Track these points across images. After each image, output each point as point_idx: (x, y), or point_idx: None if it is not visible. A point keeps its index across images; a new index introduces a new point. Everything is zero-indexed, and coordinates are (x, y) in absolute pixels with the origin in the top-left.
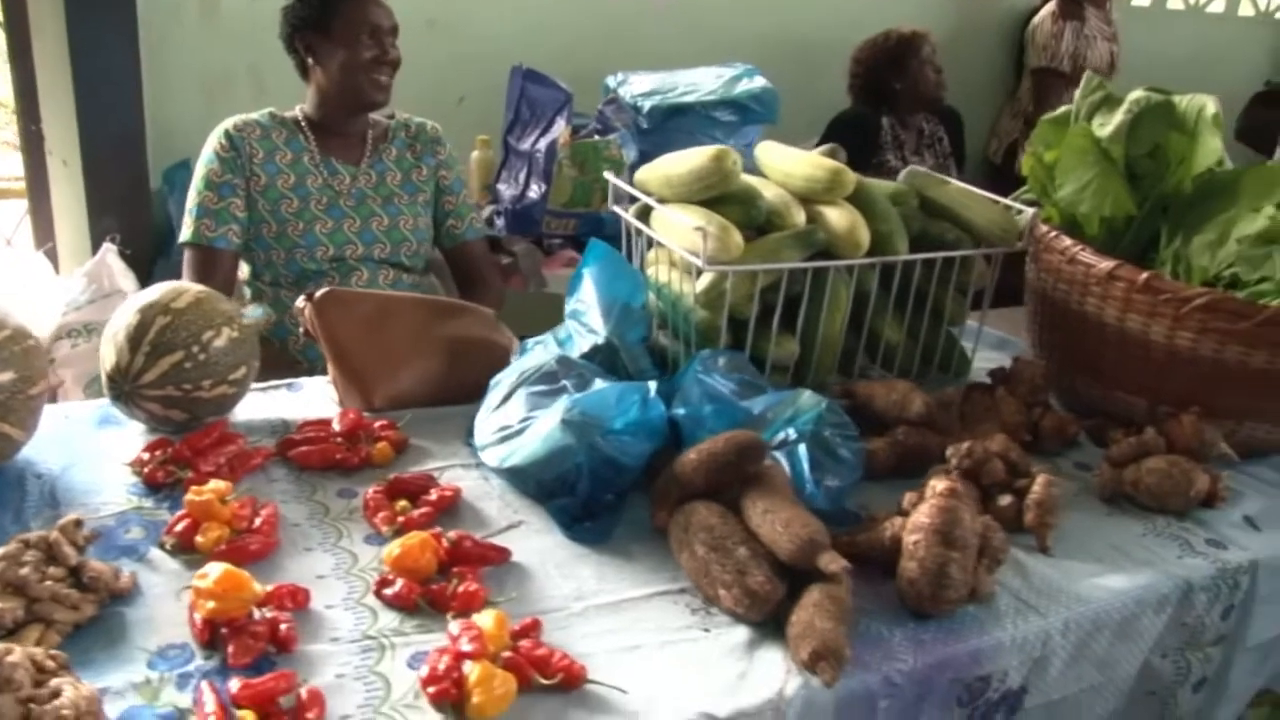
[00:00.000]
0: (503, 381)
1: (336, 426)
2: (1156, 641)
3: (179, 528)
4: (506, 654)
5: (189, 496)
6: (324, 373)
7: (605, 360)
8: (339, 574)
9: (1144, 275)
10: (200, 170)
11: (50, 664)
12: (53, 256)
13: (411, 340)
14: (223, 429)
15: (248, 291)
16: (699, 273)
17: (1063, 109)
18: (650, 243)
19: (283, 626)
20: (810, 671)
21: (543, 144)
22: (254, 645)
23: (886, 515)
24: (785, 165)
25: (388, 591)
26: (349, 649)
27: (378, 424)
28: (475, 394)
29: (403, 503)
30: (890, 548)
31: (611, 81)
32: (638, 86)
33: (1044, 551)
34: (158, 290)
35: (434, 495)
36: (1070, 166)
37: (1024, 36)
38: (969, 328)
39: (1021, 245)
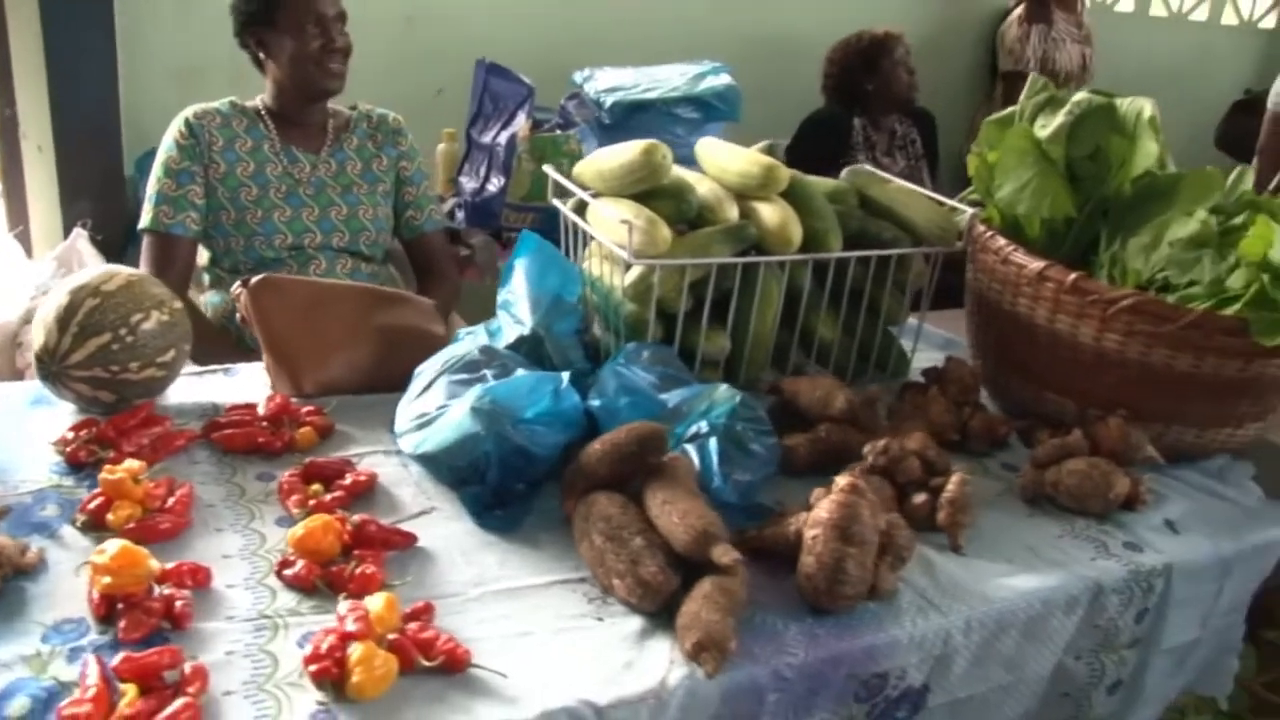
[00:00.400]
0: (426, 370)
1: (262, 411)
2: (1069, 643)
3: (92, 506)
4: (393, 636)
5: (102, 475)
6: None
7: (531, 351)
8: (245, 554)
9: (1072, 276)
10: (160, 158)
11: None
12: (25, 240)
13: (346, 328)
14: (149, 411)
15: (207, 278)
16: (628, 266)
17: (1008, 110)
18: (587, 236)
19: (178, 603)
20: (695, 662)
21: (503, 138)
22: (147, 621)
23: (794, 510)
24: (721, 161)
25: (288, 572)
26: (243, 627)
27: (305, 409)
28: (408, 383)
29: (315, 486)
30: (794, 543)
31: (579, 77)
32: (602, 82)
33: (956, 550)
34: (90, 273)
35: (348, 480)
36: (1010, 167)
37: (994, 39)
38: (909, 327)
39: (960, 245)
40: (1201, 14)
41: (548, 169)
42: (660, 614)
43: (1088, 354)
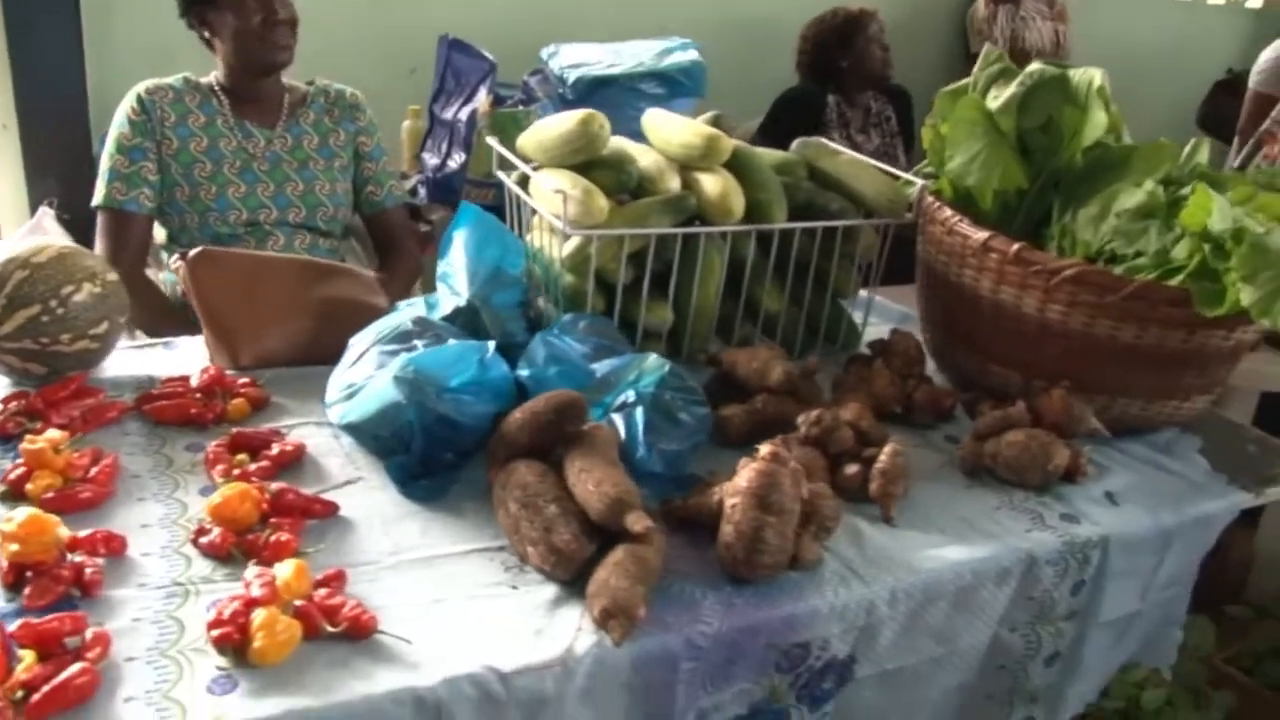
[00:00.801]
0: (359, 341)
1: (195, 383)
2: (1004, 615)
3: (13, 476)
4: (300, 603)
5: (24, 445)
6: None
7: (467, 323)
8: (165, 523)
9: (1015, 246)
10: (112, 134)
11: None
12: None
13: (284, 300)
14: (81, 382)
15: (165, 256)
16: (567, 237)
17: (961, 82)
18: (531, 209)
19: (88, 571)
20: (603, 629)
21: (464, 114)
22: (54, 588)
23: (721, 479)
24: (665, 132)
25: (203, 540)
26: (154, 594)
27: (239, 381)
28: None
29: (241, 456)
30: (717, 512)
31: (545, 53)
32: (567, 58)
33: (887, 521)
34: (22, 245)
35: (275, 450)
36: (960, 138)
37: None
38: (862, 300)
39: (910, 217)
40: None
41: (491, 141)
42: (575, 582)
43: (1031, 325)
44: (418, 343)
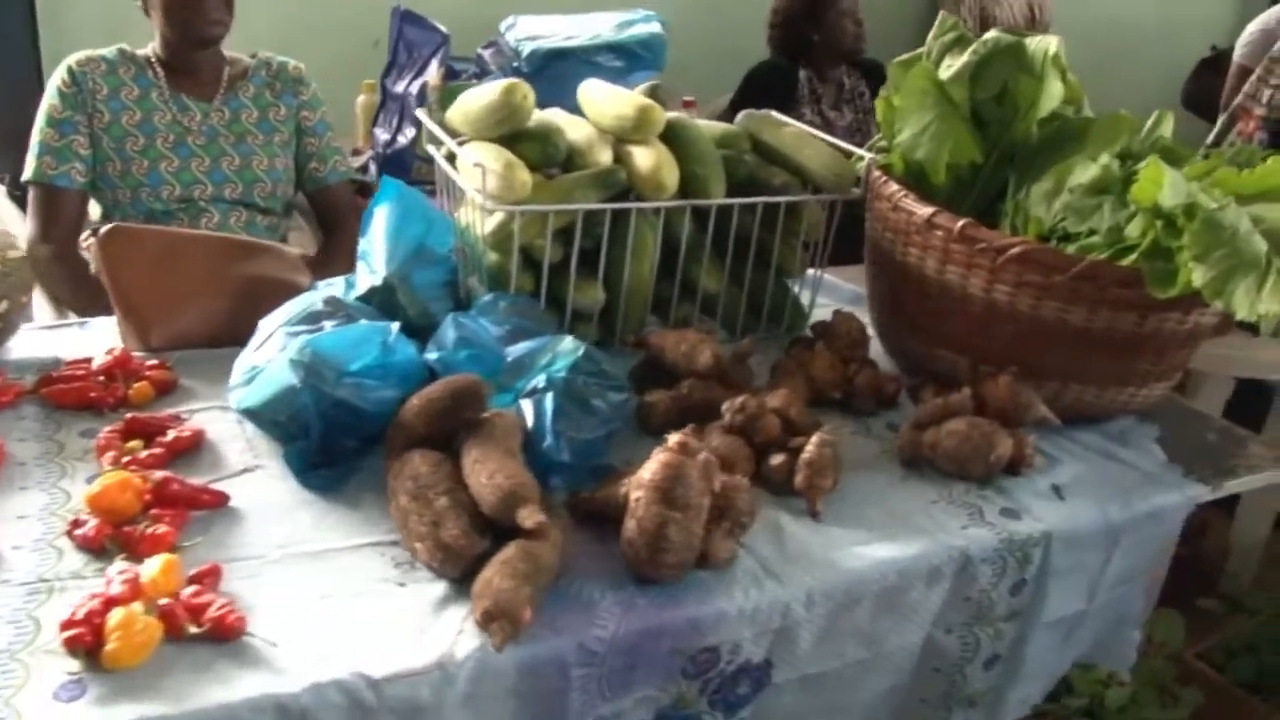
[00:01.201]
0: (268, 322)
1: (98, 365)
2: (938, 616)
3: None
4: (165, 601)
5: None
6: None
7: (384, 302)
8: (44, 514)
9: (960, 223)
10: (43, 107)
11: None
12: None
13: (201, 279)
14: None
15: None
16: (489, 213)
17: (915, 51)
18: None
19: None
20: (486, 632)
21: (415, 87)
22: None
23: (632, 470)
24: (599, 104)
25: (78, 533)
26: (17, 592)
27: (147, 364)
28: None
29: (133, 443)
30: (624, 506)
31: (504, 26)
32: (524, 30)
33: (813, 516)
34: None
35: (170, 436)
36: (910, 109)
37: None
38: (811, 280)
39: (858, 193)
40: None
41: (420, 114)
42: (467, 580)
43: (978, 307)
44: (326, 324)
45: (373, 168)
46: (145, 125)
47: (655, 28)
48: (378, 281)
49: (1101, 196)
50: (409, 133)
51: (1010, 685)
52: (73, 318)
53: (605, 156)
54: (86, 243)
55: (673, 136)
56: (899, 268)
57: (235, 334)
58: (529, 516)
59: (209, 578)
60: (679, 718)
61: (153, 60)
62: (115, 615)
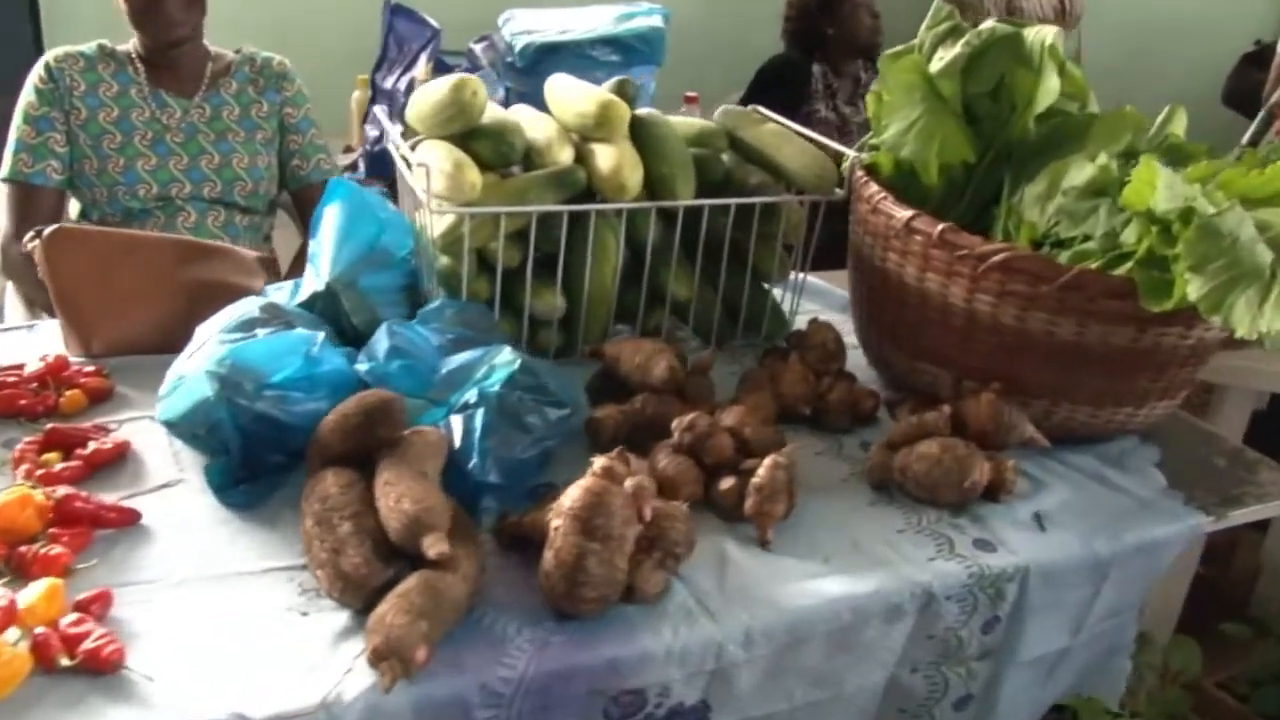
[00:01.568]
0: (204, 329)
1: (31, 370)
2: (902, 655)
3: None
4: (41, 630)
5: None
6: None
7: (327, 309)
8: None
9: (939, 227)
10: (20, 104)
11: None
12: None
13: (147, 282)
14: None
15: None
16: (441, 215)
17: (909, 43)
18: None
19: None
20: (377, 671)
21: (404, 83)
22: None
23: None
24: (564, 100)
25: None
26: None
27: (83, 370)
28: None
29: (49, 455)
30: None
31: (501, 19)
32: (520, 24)
33: (763, 545)
34: None
35: (91, 448)
36: (896, 105)
37: None
38: (794, 284)
39: (841, 194)
40: None
41: (377, 110)
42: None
43: (959, 318)
44: (261, 331)
45: (362, 165)
46: (123, 122)
47: (655, 21)
48: (320, 287)
49: (1098, 199)
50: (398, 129)
51: None
52: (44, 318)
53: (565, 155)
54: (30, 244)
55: (642, 134)
56: (879, 274)
57: (183, 340)
58: (432, 546)
59: (96, 604)
60: None
61: (134, 56)
62: None
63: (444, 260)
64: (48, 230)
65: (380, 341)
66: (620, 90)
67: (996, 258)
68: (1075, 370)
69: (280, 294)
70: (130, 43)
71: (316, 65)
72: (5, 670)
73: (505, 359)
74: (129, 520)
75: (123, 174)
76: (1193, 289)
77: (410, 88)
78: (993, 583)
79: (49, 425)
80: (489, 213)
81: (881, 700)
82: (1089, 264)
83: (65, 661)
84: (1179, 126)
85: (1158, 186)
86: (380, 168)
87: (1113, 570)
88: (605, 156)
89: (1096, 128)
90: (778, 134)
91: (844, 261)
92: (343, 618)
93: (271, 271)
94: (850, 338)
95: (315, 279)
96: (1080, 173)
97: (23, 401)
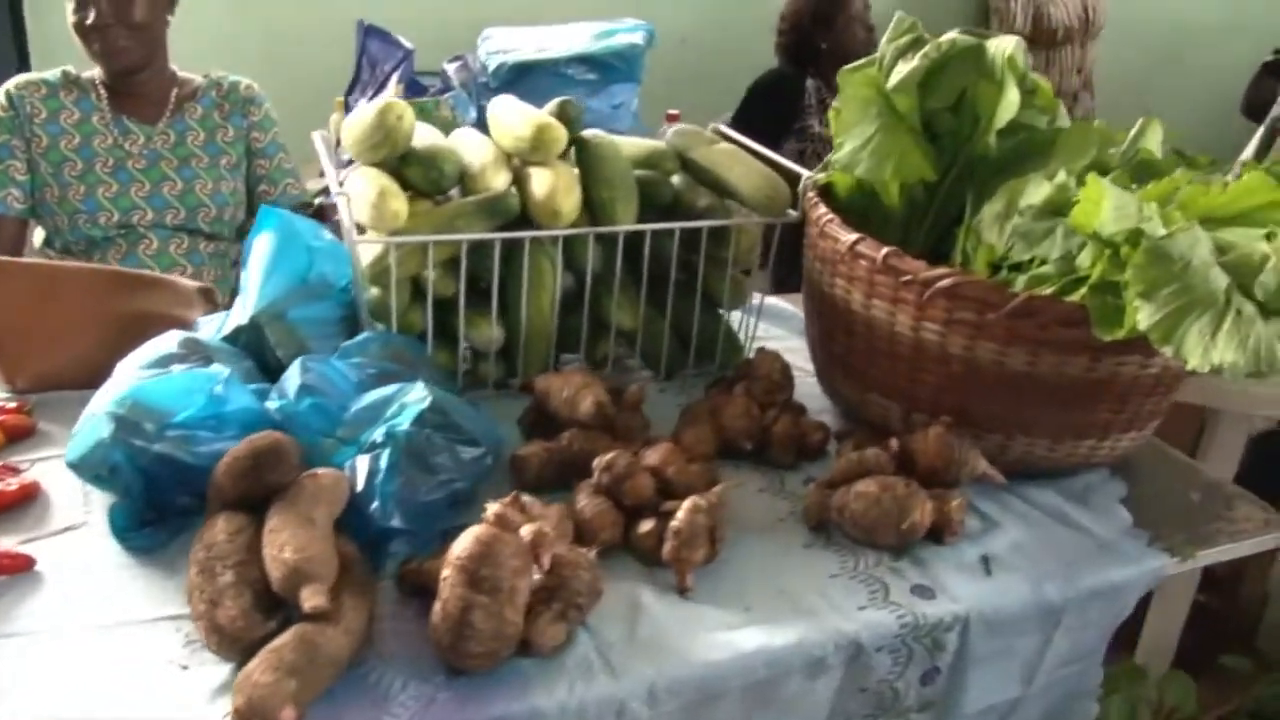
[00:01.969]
0: (126, 365)
1: None
2: (832, 710)
3: None
4: None
5: None
6: None
7: (251, 342)
8: None
9: (884, 252)
10: None
11: None
12: None
13: (78, 315)
14: None
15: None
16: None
17: (869, 58)
18: None
19: None
20: None
21: None
22: None
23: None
24: (503, 123)
25: None
26: None
27: (6, 407)
28: None
29: None
30: None
31: (481, 39)
32: (497, 43)
33: (681, 593)
34: None
35: None
36: (850, 121)
37: None
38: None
39: (795, 215)
40: None
41: (315, 136)
42: None
43: (906, 347)
44: (177, 367)
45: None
46: (84, 149)
47: (634, 38)
48: (244, 320)
49: (1055, 219)
50: None
51: None
52: None
53: (499, 180)
54: None
55: (585, 157)
56: (827, 301)
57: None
58: (310, 598)
59: None
60: None
61: (97, 83)
62: None
63: (374, 291)
64: None
65: (292, 378)
66: (561, 112)
67: (942, 283)
68: (1029, 402)
69: (210, 326)
70: (95, 69)
71: (311, 88)
72: None
73: (416, 397)
74: (21, 566)
75: (83, 201)
76: (1143, 317)
77: None
78: (929, 632)
79: None
80: (413, 241)
81: None
82: (1044, 289)
83: None
84: (1153, 141)
85: (1106, 206)
86: None
87: (1066, 617)
88: (539, 181)
89: (1060, 143)
90: (729, 154)
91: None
92: (223, 671)
93: (211, 302)
94: (809, 365)
95: (241, 311)
96: (1037, 191)
97: None
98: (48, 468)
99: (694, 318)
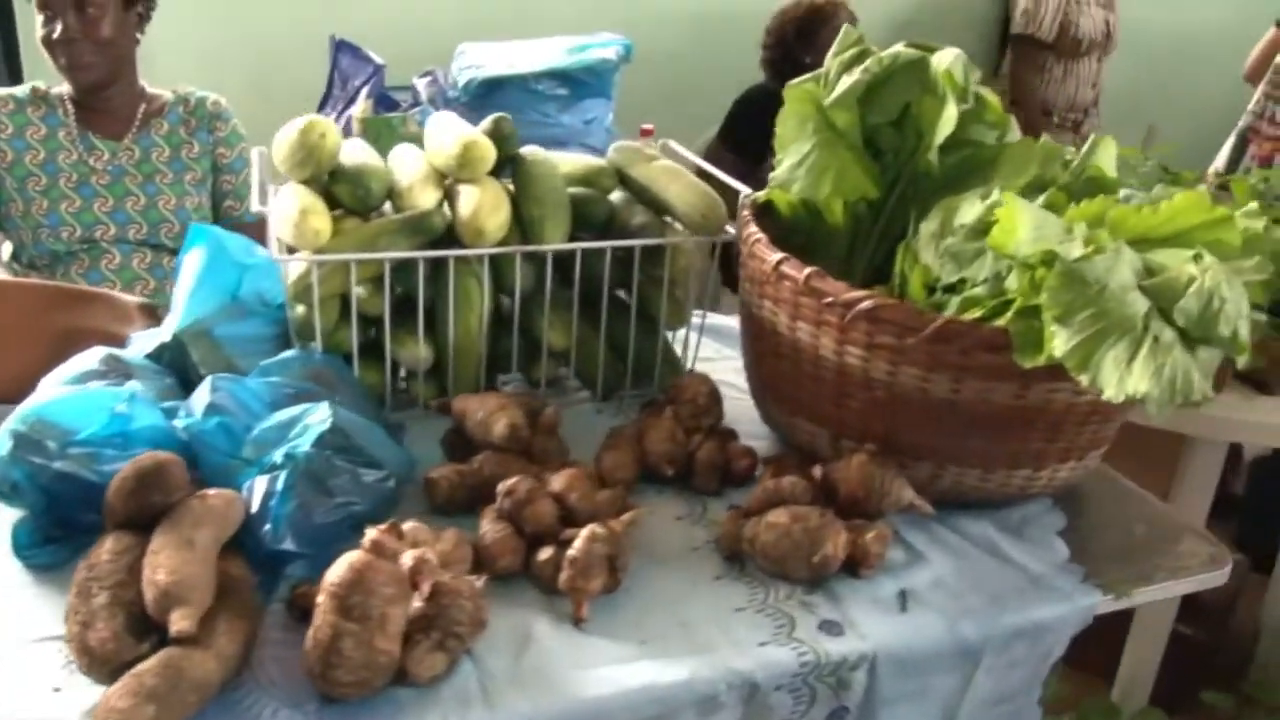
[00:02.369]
0: (49, 381)
1: None
2: None
3: None
4: None
5: None
6: None
7: (175, 359)
8: None
9: (806, 272)
10: None
11: None
12: None
13: (14, 330)
14: None
15: (3, 274)
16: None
17: (814, 73)
18: None
19: None
20: None
21: (343, 121)
22: None
23: None
24: (435, 139)
25: None
26: None
27: None
28: None
29: None
30: None
31: (456, 53)
32: (470, 58)
33: (576, 624)
34: None
35: None
36: (789, 138)
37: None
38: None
39: (731, 234)
40: None
41: (251, 153)
42: None
43: (830, 371)
44: (95, 384)
45: None
46: (49, 165)
47: (608, 54)
48: (167, 337)
49: (985, 240)
50: None
51: None
52: None
53: (426, 198)
54: None
55: (518, 174)
56: (757, 322)
57: None
58: (179, 620)
59: None
60: None
61: (65, 99)
62: None
63: (299, 309)
64: None
65: (200, 397)
66: (495, 129)
67: (861, 306)
68: (956, 430)
69: (143, 342)
70: (64, 85)
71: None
72: None
73: (318, 418)
74: None
75: (46, 216)
76: (1059, 343)
77: (348, 126)
78: (833, 671)
79: None
80: (334, 260)
81: None
82: (974, 312)
83: None
84: (1105, 158)
85: (1022, 227)
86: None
87: (986, 656)
88: (465, 200)
89: (1003, 159)
90: (668, 171)
91: None
92: (96, 694)
93: (151, 317)
94: None
95: (166, 328)
96: (970, 210)
97: None
98: None
99: (629, 338)
